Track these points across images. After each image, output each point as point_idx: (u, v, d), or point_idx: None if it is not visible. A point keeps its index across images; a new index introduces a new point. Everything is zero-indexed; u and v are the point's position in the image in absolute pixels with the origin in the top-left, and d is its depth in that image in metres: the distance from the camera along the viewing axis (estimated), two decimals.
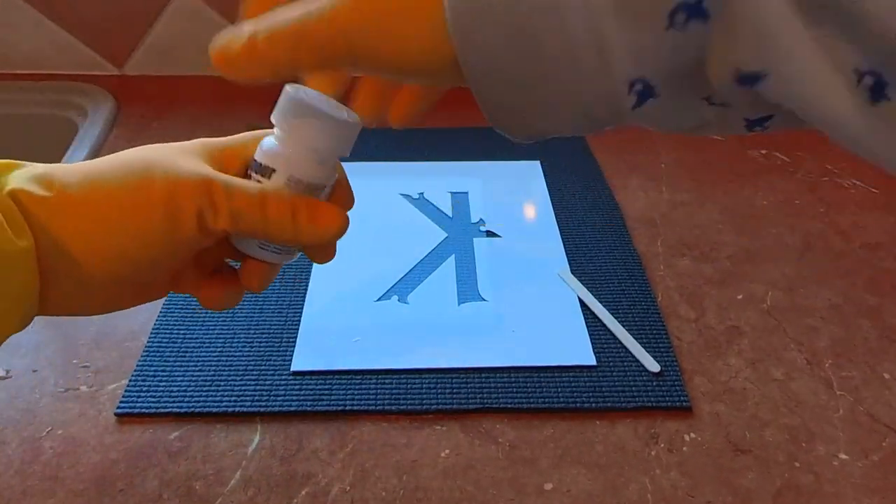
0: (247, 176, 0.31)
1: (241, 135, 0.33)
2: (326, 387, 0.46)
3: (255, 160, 0.31)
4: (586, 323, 0.51)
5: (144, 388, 0.46)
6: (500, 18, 0.21)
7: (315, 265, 0.56)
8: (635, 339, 0.50)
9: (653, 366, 0.47)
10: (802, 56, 0.20)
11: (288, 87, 0.30)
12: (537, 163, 0.70)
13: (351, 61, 0.25)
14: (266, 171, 0.30)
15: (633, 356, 0.49)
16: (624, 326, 0.51)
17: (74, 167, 0.31)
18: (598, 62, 0.22)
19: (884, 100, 0.20)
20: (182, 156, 0.31)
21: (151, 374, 0.47)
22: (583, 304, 0.53)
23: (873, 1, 0.19)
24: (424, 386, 0.46)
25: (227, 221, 0.30)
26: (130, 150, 0.31)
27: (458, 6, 0.22)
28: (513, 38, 0.22)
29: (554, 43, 0.22)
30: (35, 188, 0.29)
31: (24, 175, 0.30)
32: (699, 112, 0.24)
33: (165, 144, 0.31)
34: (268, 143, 0.31)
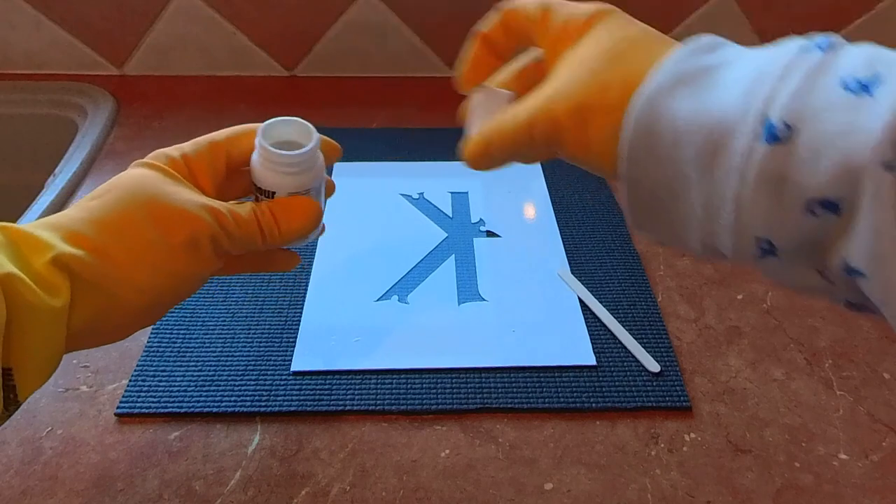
0: (254, 194, 0.38)
1: (204, 144, 0.38)
2: (326, 387, 0.46)
3: (257, 188, 0.37)
4: (586, 323, 0.51)
5: (144, 388, 0.46)
6: (661, 163, 0.27)
7: (315, 265, 0.56)
8: (635, 339, 0.50)
9: (653, 366, 0.47)
10: None
11: (259, 132, 0.37)
12: (537, 163, 0.70)
13: (548, 153, 0.33)
14: (268, 194, 0.37)
15: (633, 356, 0.49)
16: (624, 326, 0.51)
17: (85, 217, 0.33)
18: (732, 219, 0.25)
19: None
20: (174, 187, 0.35)
21: (151, 374, 0.47)
22: (583, 304, 0.53)
23: None
24: (424, 386, 0.46)
25: (234, 242, 0.36)
26: (124, 186, 0.34)
27: (634, 141, 0.27)
28: (668, 181, 0.27)
29: (699, 194, 0.26)
30: (70, 249, 0.31)
31: (48, 235, 0.31)
32: (810, 280, 0.26)
33: (147, 174, 0.35)
34: (259, 170, 0.37)
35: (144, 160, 0.36)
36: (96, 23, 0.80)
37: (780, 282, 0.28)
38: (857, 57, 0.24)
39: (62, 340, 0.31)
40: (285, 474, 0.41)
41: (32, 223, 0.32)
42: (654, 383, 0.47)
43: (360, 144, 0.72)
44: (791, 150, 0.23)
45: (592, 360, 0.48)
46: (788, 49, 0.25)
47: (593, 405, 0.45)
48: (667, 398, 0.46)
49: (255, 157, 0.37)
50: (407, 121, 0.77)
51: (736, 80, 0.25)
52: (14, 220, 0.61)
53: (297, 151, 0.36)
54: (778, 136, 0.23)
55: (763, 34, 0.82)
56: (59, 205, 0.62)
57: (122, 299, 0.33)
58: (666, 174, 0.27)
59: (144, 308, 0.34)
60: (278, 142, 0.37)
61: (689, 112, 0.26)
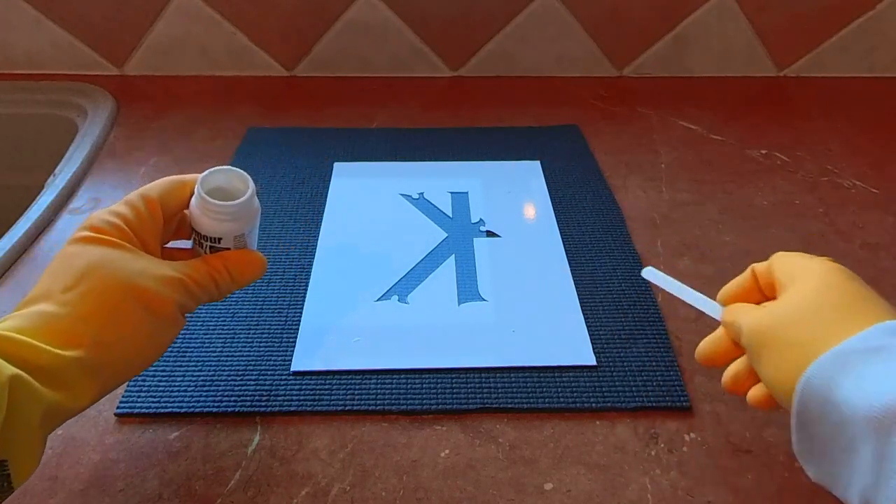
0: (195, 238, 0.41)
1: (140, 205, 0.39)
2: (326, 387, 0.46)
3: (200, 234, 0.40)
4: (586, 323, 0.51)
5: (144, 388, 0.46)
6: (829, 429, 0.30)
7: (315, 265, 0.56)
8: (636, 339, 0.50)
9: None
10: None
11: (198, 183, 0.39)
12: (537, 163, 0.70)
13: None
14: (215, 240, 0.40)
15: (633, 355, 0.49)
16: (624, 326, 0.51)
17: (71, 312, 0.34)
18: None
19: None
20: (140, 262, 0.37)
21: (151, 374, 0.47)
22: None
23: None
24: (424, 386, 0.47)
25: (196, 304, 0.39)
26: (97, 273, 0.35)
27: (805, 404, 0.31)
28: (838, 437, 0.30)
29: (872, 455, 0.28)
30: (69, 353, 0.33)
31: (43, 342, 0.32)
32: None
33: (112, 255, 0.36)
34: (201, 219, 0.40)
35: (93, 234, 0.37)
36: (96, 23, 0.80)
37: None
38: None
39: (55, 427, 0.33)
40: (285, 474, 0.41)
41: (16, 322, 0.33)
42: (654, 383, 0.47)
43: (360, 144, 0.72)
44: None
45: (592, 360, 0.48)
46: None
47: (593, 405, 0.45)
48: (667, 398, 0.46)
49: (195, 207, 0.40)
50: (407, 121, 0.78)
51: None
52: (13, 221, 0.61)
53: (235, 202, 0.39)
54: None
55: (763, 34, 0.82)
56: (60, 205, 0.62)
57: (117, 381, 0.36)
58: (840, 430, 0.30)
59: (132, 376, 0.38)
60: (214, 189, 0.40)
61: (873, 377, 0.29)
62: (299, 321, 0.51)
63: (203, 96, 0.81)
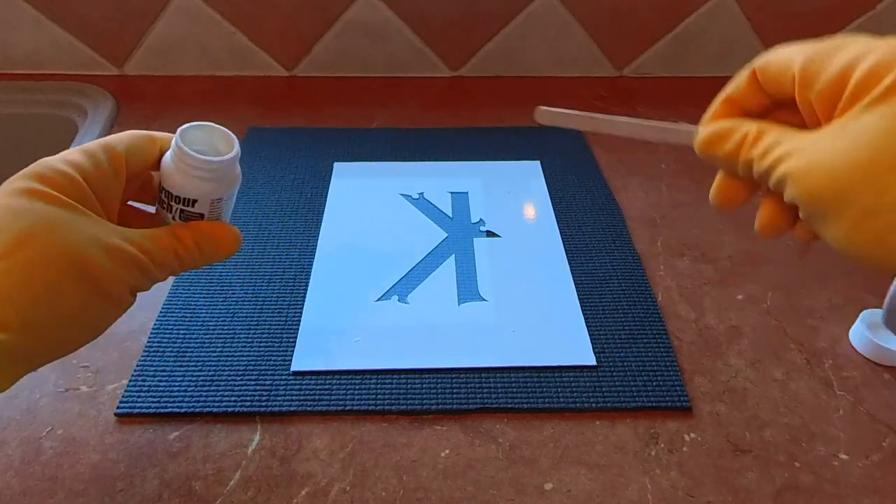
0: (162, 201, 0.35)
1: (100, 155, 0.33)
2: (326, 387, 0.46)
3: (171, 194, 0.35)
4: (586, 323, 0.51)
5: (144, 388, 0.46)
6: None
7: (315, 265, 0.56)
8: (635, 339, 0.50)
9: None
10: None
11: (177, 135, 0.34)
12: (537, 163, 0.70)
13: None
14: (189, 203, 0.35)
15: (633, 355, 0.49)
16: (624, 326, 0.51)
17: (2, 287, 0.29)
18: None
19: None
20: (90, 228, 0.31)
21: (151, 374, 0.47)
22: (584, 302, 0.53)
23: None
24: (424, 386, 0.46)
25: (154, 283, 0.34)
26: (37, 239, 0.29)
27: None
28: None
29: None
30: None
31: None
32: None
33: (56, 216, 0.30)
34: (177, 176, 0.34)
35: (40, 187, 0.30)
36: (96, 23, 0.80)
37: None
38: None
39: None
40: (285, 474, 0.41)
41: None
42: (654, 383, 0.47)
43: (360, 144, 0.72)
44: None
45: (592, 360, 0.48)
46: None
47: (593, 405, 0.45)
48: (667, 398, 0.46)
49: (169, 163, 0.34)
50: (407, 121, 0.78)
51: None
52: None
53: (219, 158, 0.34)
54: None
55: (763, 34, 0.82)
56: None
57: (42, 362, 0.31)
58: None
59: (61, 356, 0.33)
60: (193, 147, 0.35)
61: None
62: (299, 321, 0.51)
63: (203, 96, 0.81)
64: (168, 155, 0.35)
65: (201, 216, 0.36)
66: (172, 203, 0.35)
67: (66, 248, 0.30)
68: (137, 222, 0.36)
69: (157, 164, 0.36)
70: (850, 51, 0.25)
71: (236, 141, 0.35)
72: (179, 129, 0.34)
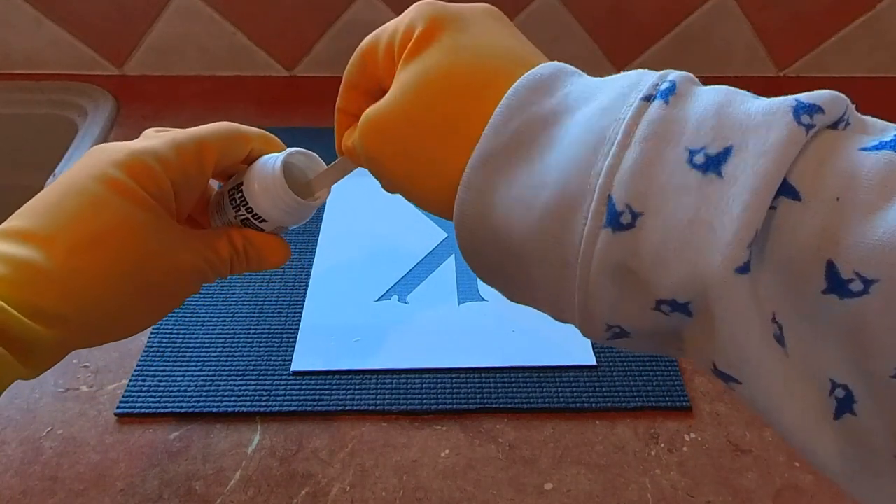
0: (233, 197, 0.35)
1: (190, 149, 0.32)
2: (326, 387, 0.46)
3: (248, 206, 0.34)
4: None
5: (144, 388, 0.46)
6: (500, 247, 0.24)
7: (315, 265, 0.56)
8: None
9: None
10: (772, 373, 0.20)
11: (281, 163, 0.34)
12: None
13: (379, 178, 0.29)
14: (260, 219, 0.34)
15: (633, 355, 0.49)
16: None
17: (75, 285, 0.28)
18: (581, 305, 0.22)
19: (848, 413, 0.20)
20: (169, 240, 0.31)
21: (151, 374, 0.47)
22: None
23: (876, 319, 0.18)
24: (424, 386, 0.46)
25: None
26: (120, 243, 0.29)
27: (463, 236, 0.25)
28: (510, 262, 0.24)
29: (545, 274, 0.23)
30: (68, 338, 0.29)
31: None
32: (671, 351, 0.24)
33: (141, 215, 0.30)
34: (262, 198, 0.34)
35: (130, 182, 0.30)
36: (96, 23, 0.80)
37: (636, 351, 0.26)
38: (705, 118, 0.20)
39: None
40: (285, 474, 0.41)
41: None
42: (654, 383, 0.47)
43: None
44: (636, 242, 0.20)
45: (592, 360, 0.48)
46: (631, 98, 0.21)
47: (593, 405, 0.45)
48: (667, 398, 0.46)
49: (261, 182, 0.33)
50: None
51: (573, 143, 0.22)
52: None
53: (314, 203, 0.35)
54: (622, 222, 0.20)
55: (763, 34, 0.82)
56: None
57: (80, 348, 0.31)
58: (506, 251, 0.24)
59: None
60: (289, 171, 0.35)
61: (522, 189, 0.22)
62: (299, 321, 0.51)
63: (203, 96, 0.81)
64: (263, 171, 0.34)
65: (262, 230, 0.35)
66: (242, 208, 0.34)
67: (137, 259, 0.29)
68: (200, 223, 0.37)
69: (243, 164, 0.35)
70: (395, 20, 0.28)
71: (328, 189, 0.35)
72: (284, 157, 0.34)
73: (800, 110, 0.19)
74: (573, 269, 0.22)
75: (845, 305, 0.18)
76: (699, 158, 0.20)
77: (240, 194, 0.34)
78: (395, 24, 0.28)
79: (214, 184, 0.37)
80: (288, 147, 0.36)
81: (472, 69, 0.25)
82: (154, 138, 0.32)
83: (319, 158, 0.36)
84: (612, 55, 0.84)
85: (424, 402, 0.45)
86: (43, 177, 0.66)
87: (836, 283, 0.18)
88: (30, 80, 0.80)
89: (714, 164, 0.19)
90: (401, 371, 0.47)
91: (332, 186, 0.36)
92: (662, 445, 0.43)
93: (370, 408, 0.45)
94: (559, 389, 0.46)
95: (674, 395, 0.46)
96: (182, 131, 0.32)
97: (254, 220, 0.34)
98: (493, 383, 0.47)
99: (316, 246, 0.58)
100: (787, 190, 0.19)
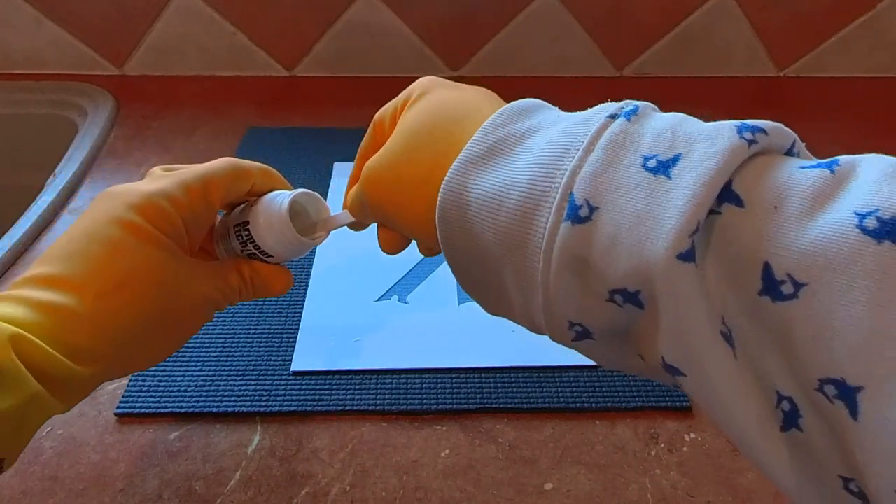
0: (239, 234, 0.37)
1: (197, 188, 0.34)
2: (326, 387, 0.46)
3: (254, 242, 0.36)
4: None
5: (144, 388, 0.46)
6: (474, 242, 0.26)
7: (315, 265, 0.56)
8: None
9: None
10: (719, 369, 0.21)
11: (287, 204, 0.36)
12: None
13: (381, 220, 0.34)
14: (265, 254, 0.37)
15: None
16: None
17: (105, 322, 0.30)
18: (542, 301, 0.24)
19: (794, 428, 0.21)
20: (187, 275, 0.33)
21: (151, 374, 0.47)
22: None
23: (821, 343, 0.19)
24: (424, 386, 0.46)
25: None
26: (145, 282, 0.31)
27: (443, 223, 0.27)
28: (483, 259, 0.26)
29: (512, 273, 0.25)
30: (87, 371, 0.30)
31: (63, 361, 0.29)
32: (632, 362, 0.26)
33: (159, 263, 0.32)
34: (266, 234, 0.36)
35: (146, 224, 0.32)
36: (96, 23, 0.80)
37: (606, 364, 0.27)
38: (661, 130, 0.23)
39: None
40: (285, 474, 0.41)
41: (35, 316, 0.29)
42: (654, 383, 0.47)
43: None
44: (592, 234, 0.22)
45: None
46: (598, 117, 0.24)
47: (593, 405, 0.45)
48: (667, 398, 0.46)
49: (265, 218, 0.36)
50: None
51: (543, 149, 0.24)
52: (13, 221, 0.61)
53: (316, 241, 0.38)
54: (580, 215, 0.22)
55: (763, 34, 0.82)
56: (60, 205, 0.62)
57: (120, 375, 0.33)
58: (482, 255, 0.26)
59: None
60: (294, 210, 0.37)
61: (493, 186, 0.25)
62: (299, 321, 0.51)
63: (203, 96, 0.81)
64: (267, 210, 0.36)
65: (266, 262, 0.37)
66: (249, 244, 0.36)
67: (164, 295, 0.32)
68: (207, 251, 0.39)
69: (245, 196, 0.37)
70: (402, 93, 0.34)
71: (329, 231, 0.38)
72: (290, 198, 0.36)
73: (743, 129, 0.22)
74: (536, 266, 0.24)
75: (777, 309, 0.20)
76: (652, 163, 0.22)
77: (246, 232, 0.36)
78: (401, 95, 0.33)
79: None
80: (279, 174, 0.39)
81: (456, 103, 0.30)
82: (163, 178, 0.34)
83: (320, 196, 0.38)
84: (612, 55, 0.84)
85: (424, 402, 0.45)
86: (43, 177, 0.66)
87: (770, 285, 0.20)
88: (30, 80, 0.80)
89: (664, 167, 0.22)
90: (401, 371, 0.47)
91: (333, 191, 0.38)
92: (662, 445, 0.43)
93: (370, 408, 0.45)
94: (559, 389, 0.46)
95: (674, 394, 0.46)
96: (189, 171, 0.34)
97: (260, 255, 0.37)
98: (493, 383, 0.47)
99: (316, 246, 0.58)
100: (731, 197, 0.21)
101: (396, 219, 0.31)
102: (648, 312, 0.22)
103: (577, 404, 0.45)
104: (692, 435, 0.44)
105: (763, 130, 0.22)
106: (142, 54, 0.83)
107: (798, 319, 0.19)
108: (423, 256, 0.57)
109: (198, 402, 0.45)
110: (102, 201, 0.32)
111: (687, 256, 0.20)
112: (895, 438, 0.18)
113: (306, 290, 0.54)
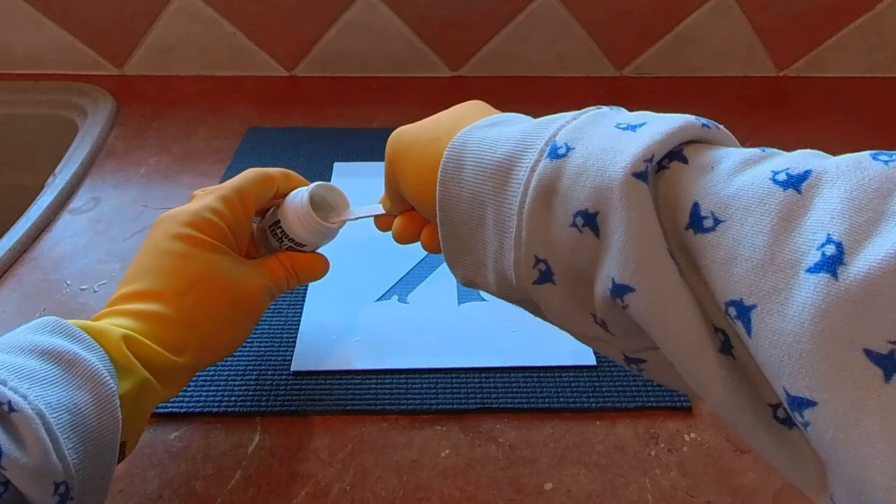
0: (274, 233, 0.43)
1: (234, 199, 0.41)
2: (326, 387, 0.46)
3: (288, 236, 0.43)
4: None
5: None
6: (467, 183, 0.30)
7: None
8: None
9: None
10: (667, 280, 0.24)
11: (307, 196, 0.42)
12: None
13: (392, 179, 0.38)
14: (299, 244, 0.43)
15: None
16: None
17: (185, 319, 0.37)
18: (515, 232, 0.28)
19: (729, 356, 0.23)
20: (241, 270, 0.40)
21: None
22: None
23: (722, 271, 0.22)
24: (424, 386, 0.47)
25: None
26: (210, 281, 0.38)
27: (446, 164, 0.31)
28: (472, 202, 0.30)
29: (494, 210, 0.29)
30: (179, 361, 0.37)
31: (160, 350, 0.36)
32: (586, 323, 0.29)
33: (220, 263, 0.39)
34: (297, 226, 0.42)
35: (199, 234, 0.38)
36: (96, 23, 0.80)
37: (564, 326, 0.31)
38: (636, 115, 0.28)
39: None
40: (285, 474, 0.41)
41: (135, 323, 0.36)
42: (655, 383, 0.47)
43: (360, 144, 0.72)
44: (565, 165, 0.27)
45: (592, 360, 0.48)
46: (587, 110, 0.30)
47: (593, 405, 0.45)
48: (667, 398, 0.46)
49: (293, 215, 0.42)
50: (407, 121, 0.77)
51: (538, 120, 0.30)
52: (13, 221, 0.61)
53: (337, 225, 0.43)
54: (559, 153, 0.27)
55: (763, 34, 0.82)
56: (60, 205, 0.62)
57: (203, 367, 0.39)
58: (471, 194, 0.30)
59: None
60: (316, 201, 0.43)
61: (493, 136, 0.30)
62: (299, 321, 0.51)
63: (203, 96, 0.81)
64: (292, 206, 0.42)
65: (303, 252, 0.44)
66: (285, 239, 0.43)
67: (228, 288, 0.38)
68: (251, 255, 0.45)
69: (274, 200, 0.43)
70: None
71: (349, 206, 0.44)
72: (309, 190, 0.42)
73: (700, 119, 0.26)
74: (515, 199, 0.28)
75: (697, 240, 0.23)
76: (623, 125, 0.27)
77: (280, 229, 0.43)
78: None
79: None
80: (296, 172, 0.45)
81: (485, 111, 0.36)
82: (205, 197, 0.41)
83: (335, 186, 0.44)
84: (612, 55, 0.84)
85: (424, 402, 0.45)
86: (43, 177, 0.66)
87: (695, 220, 0.23)
88: (30, 80, 0.80)
89: (632, 128, 0.26)
90: (401, 371, 0.47)
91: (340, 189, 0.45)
92: (662, 445, 0.43)
93: (370, 408, 0.45)
94: (559, 389, 0.46)
95: (674, 394, 0.46)
96: (224, 186, 0.41)
97: (296, 247, 0.43)
98: (493, 383, 0.47)
99: (339, 229, 0.58)
100: (679, 157, 0.25)
101: (405, 174, 0.35)
102: (602, 241, 0.25)
103: (577, 404, 0.45)
104: (692, 435, 0.44)
105: (717, 125, 0.27)
106: (142, 54, 0.83)
107: (711, 247, 0.23)
108: (423, 257, 0.57)
109: (198, 402, 0.45)
110: (160, 225, 0.39)
111: (642, 177, 0.24)
112: (778, 349, 0.20)
113: (306, 290, 0.54)
